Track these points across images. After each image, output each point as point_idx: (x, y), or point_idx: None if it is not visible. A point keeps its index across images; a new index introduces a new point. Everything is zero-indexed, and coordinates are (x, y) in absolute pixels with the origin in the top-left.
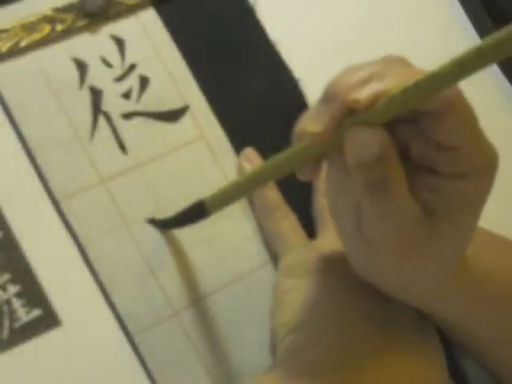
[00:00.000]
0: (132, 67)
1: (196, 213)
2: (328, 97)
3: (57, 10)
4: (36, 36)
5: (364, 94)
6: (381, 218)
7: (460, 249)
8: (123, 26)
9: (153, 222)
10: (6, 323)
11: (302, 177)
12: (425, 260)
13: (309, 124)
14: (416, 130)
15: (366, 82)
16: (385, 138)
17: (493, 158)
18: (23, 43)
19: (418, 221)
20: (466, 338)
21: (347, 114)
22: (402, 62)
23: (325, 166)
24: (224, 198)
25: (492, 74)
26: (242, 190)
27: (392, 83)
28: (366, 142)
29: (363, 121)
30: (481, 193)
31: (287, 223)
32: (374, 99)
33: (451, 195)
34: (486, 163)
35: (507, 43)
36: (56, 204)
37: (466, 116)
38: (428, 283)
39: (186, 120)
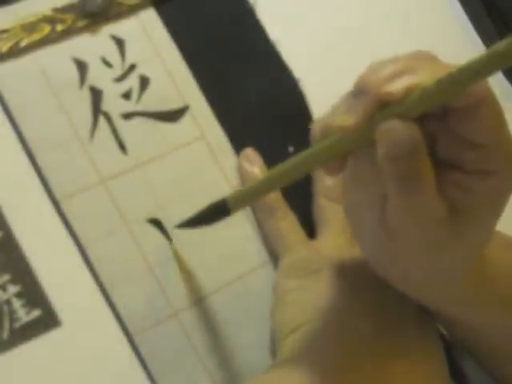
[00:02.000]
0: (132, 67)
1: (218, 211)
2: (359, 91)
3: (57, 10)
4: (36, 36)
5: (397, 86)
6: (407, 211)
7: (480, 245)
8: (123, 26)
9: (179, 225)
10: (6, 323)
11: (329, 172)
12: (444, 255)
13: (340, 118)
14: (444, 126)
15: (398, 75)
16: (417, 132)
17: None
18: (23, 43)
19: (442, 217)
20: (474, 337)
21: (379, 107)
22: (431, 58)
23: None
24: (248, 196)
25: None
26: (266, 187)
27: (425, 77)
28: (398, 136)
29: (395, 114)
30: (506, 190)
31: (287, 223)
32: (408, 92)
33: (477, 193)
34: None
35: None
36: (56, 204)
37: (495, 113)
38: (444, 278)
39: (185, 120)
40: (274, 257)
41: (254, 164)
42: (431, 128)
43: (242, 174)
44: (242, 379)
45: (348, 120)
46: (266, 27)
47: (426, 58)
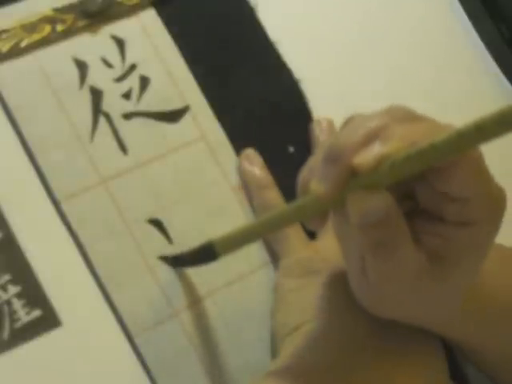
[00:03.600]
0: (132, 67)
1: (205, 254)
2: (332, 157)
3: (57, 10)
4: (36, 36)
5: (367, 157)
6: (384, 270)
7: (466, 284)
8: (123, 27)
9: (163, 258)
10: (7, 324)
11: (310, 227)
12: (429, 299)
13: (312, 184)
14: (422, 181)
15: (369, 141)
16: (388, 202)
17: (501, 203)
18: (24, 43)
19: (422, 271)
20: (467, 347)
21: (350, 175)
22: (406, 116)
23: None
24: (234, 242)
25: (492, 73)
26: (252, 235)
27: (395, 145)
28: (369, 206)
29: (368, 183)
30: (489, 237)
31: None
32: (377, 163)
33: (458, 241)
34: (494, 211)
35: (507, 121)
36: (56, 204)
37: (473, 168)
38: (434, 314)
39: (186, 120)
40: (274, 257)
41: (254, 164)
42: (410, 182)
43: (242, 174)
44: (242, 379)
45: (320, 188)
46: (266, 27)
47: (401, 118)
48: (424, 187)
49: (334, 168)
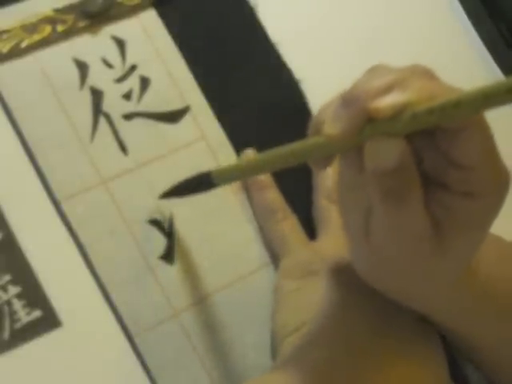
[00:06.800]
0: (133, 68)
1: (201, 183)
2: (349, 100)
3: (58, 10)
4: (37, 37)
5: (385, 104)
6: (391, 227)
7: (465, 261)
8: (124, 27)
9: (163, 195)
10: (7, 324)
11: (314, 167)
12: (427, 270)
13: (326, 125)
14: (431, 144)
15: (388, 89)
16: (405, 149)
17: (506, 179)
18: (24, 44)
19: (425, 234)
20: (467, 344)
21: (366, 119)
22: (427, 74)
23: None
24: (233, 174)
25: (492, 73)
26: (251, 170)
27: (414, 96)
28: (386, 152)
29: (385, 130)
30: (491, 212)
31: (287, 224)
32: (394, 110)
33: (460, 212)
34: (499, 185)
35: None
36: (56, 204)
37: (484, 137)
38: (430, 290)
39: (186, 121)
40: (275, 258)
41: None
42: (419, 144)
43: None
44: (241, 379)
45: (334, 129)
46: (266, 28)
47: (421, 73)
48: (432, 152)
49: (351, 110)
